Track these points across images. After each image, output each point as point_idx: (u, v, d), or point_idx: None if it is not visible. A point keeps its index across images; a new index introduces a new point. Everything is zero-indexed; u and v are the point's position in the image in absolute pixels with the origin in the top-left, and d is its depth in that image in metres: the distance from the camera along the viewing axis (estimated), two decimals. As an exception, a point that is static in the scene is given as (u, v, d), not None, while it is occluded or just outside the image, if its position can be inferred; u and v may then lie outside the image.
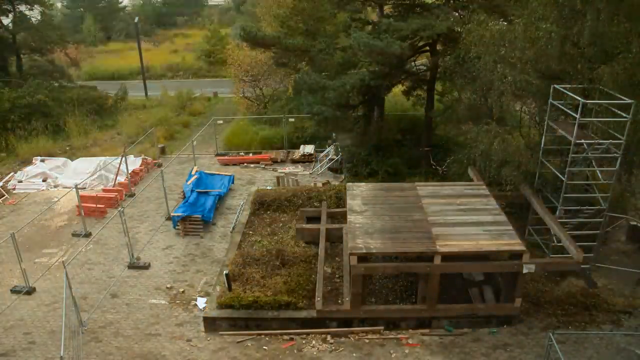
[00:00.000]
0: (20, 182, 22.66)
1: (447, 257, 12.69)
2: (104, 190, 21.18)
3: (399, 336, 13.01)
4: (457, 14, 19.67)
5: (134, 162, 23.40)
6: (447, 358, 12.53)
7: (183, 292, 15.34)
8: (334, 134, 24.53)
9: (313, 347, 12.96)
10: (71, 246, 17.88)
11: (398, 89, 24.66)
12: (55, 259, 17.07)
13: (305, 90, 21.05)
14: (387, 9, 22.64)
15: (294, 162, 25.03)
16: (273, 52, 24.51)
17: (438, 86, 23.22)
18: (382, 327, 13.15)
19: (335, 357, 12.67)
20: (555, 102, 14.70)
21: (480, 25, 15.48)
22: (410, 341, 12.93)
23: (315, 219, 17.74)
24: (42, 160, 24.42)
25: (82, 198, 18.72)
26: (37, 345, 13.34)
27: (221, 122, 29.33)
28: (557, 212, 14.82)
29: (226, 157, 25.48)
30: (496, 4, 17.74)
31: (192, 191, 19.50)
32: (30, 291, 15.41)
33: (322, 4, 23.50)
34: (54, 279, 16.08)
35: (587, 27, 13.34)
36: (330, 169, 23.77)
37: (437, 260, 12.56)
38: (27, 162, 25.13)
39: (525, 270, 12.60)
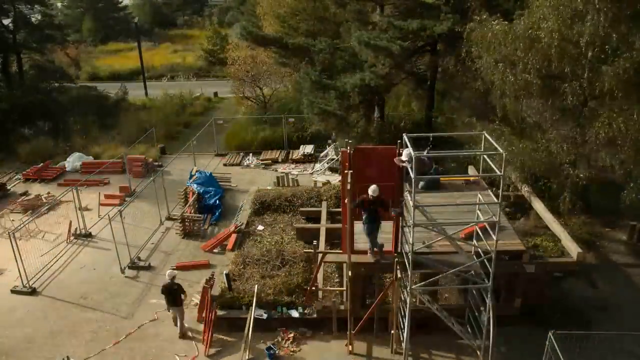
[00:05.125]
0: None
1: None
2: (106, 197, 21.25)
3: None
4: (457, 15, 19.65)
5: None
6: (447, 358, 12.51)
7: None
8: (333, 134, 24.52)
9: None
10: (71, 246, 17.90)
11: (399, 88, 24.64)
12: (55, 258, 17.08)
13: (307, 90, 21.05)
14: (388, 8, 22.64)
15: (294, 162, 25.02)
16: (274, 52, 24.53)
17: (439, 86, 23.20)
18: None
19: (336, 357, 12.70)
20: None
21: (481, 24, 15.45)
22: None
23: (315, 219, 17.73)
24: None
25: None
26: (37, 345, 13.33)
27: (221, 122, 29.34)
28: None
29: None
30: (497, 3, 17.75)
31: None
32: (30, 291, 15.41)
33: (323, 3, 23.51)
34: (53, 279, 16.08)
35: (588, 27, 13.31)
36: (330, 169, 23.75)
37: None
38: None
39: (527, 271, 12.59)
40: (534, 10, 14.56)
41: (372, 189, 11.28)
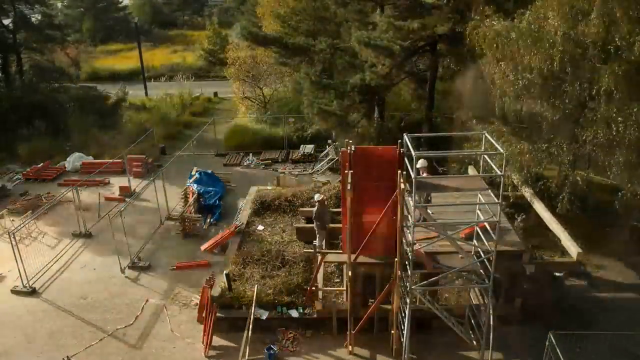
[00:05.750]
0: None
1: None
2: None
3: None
4: (458, 15, 19.66)
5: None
6: (447, 358, 12.51)
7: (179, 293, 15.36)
8: (333, 134, 24.51)
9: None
10: (71, 246, 17.90)
11: (399, 88, 24.63)
12: (55, 259, 17.08)
13: (307, 90, 21.06)
14: (388, 8, 22.62)
15: (294, 162, 25.01)
16: (274, 52, 24.53)
17: (439, 86, 23.18)
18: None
19: (336, 357, 12.69)
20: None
21: (483, 22, 15.44)
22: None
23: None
24: None
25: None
26: (37, 345, 13.33)
27: (221, 122, 29.32)
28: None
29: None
30: (498, 2, 17.73)
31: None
32: (30, 291, 15.40)
33: (323, 3, 23.49)
34: (53, 279, 16.08)
35: (591, 26, 13.29)
36: (330, 169, 23.74)
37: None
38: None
39: (527, 271, 12.59)
40: (537, 9, 14.55)
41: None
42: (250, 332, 12.84)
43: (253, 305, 13.47)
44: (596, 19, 13.12)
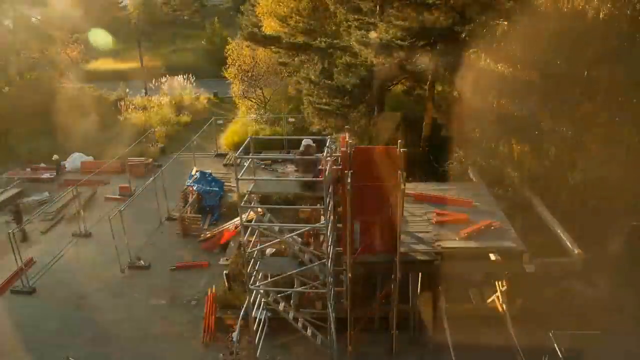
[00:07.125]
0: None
1: (448, 257, 12.64)
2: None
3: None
4: (457, 14, 19.64)
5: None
6: (446, 357, 12.50)
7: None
8: (334, 134, 24.47)
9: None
10: (71, 246, 17.89)
11: (399, 88, 24.64)
12: (55, 258, 17.08)
13: (307, 90, 21.06)
14: (388, 8, 22.60)
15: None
16: (274, 52, 24.55)
17: (438, 86, 23.15)
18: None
19: (336, 356, 12.68)
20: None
21: (482, 23, 15.45)
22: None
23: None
24: None
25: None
26: (37, 345, 13.33)
27: (221, 122, 29.30)
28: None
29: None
30: (497, 2, 17.73)
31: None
32: (30, 291, 15.40)
33: (323, 2, 23.49)
34: (53, 279, 16.07)
35: (588, 26, 13.30)
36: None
37: (437, 260, 12.51)
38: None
39: (527, 271, 12.58)
40: (534, 9, 14.55)
41: None
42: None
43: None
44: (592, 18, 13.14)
